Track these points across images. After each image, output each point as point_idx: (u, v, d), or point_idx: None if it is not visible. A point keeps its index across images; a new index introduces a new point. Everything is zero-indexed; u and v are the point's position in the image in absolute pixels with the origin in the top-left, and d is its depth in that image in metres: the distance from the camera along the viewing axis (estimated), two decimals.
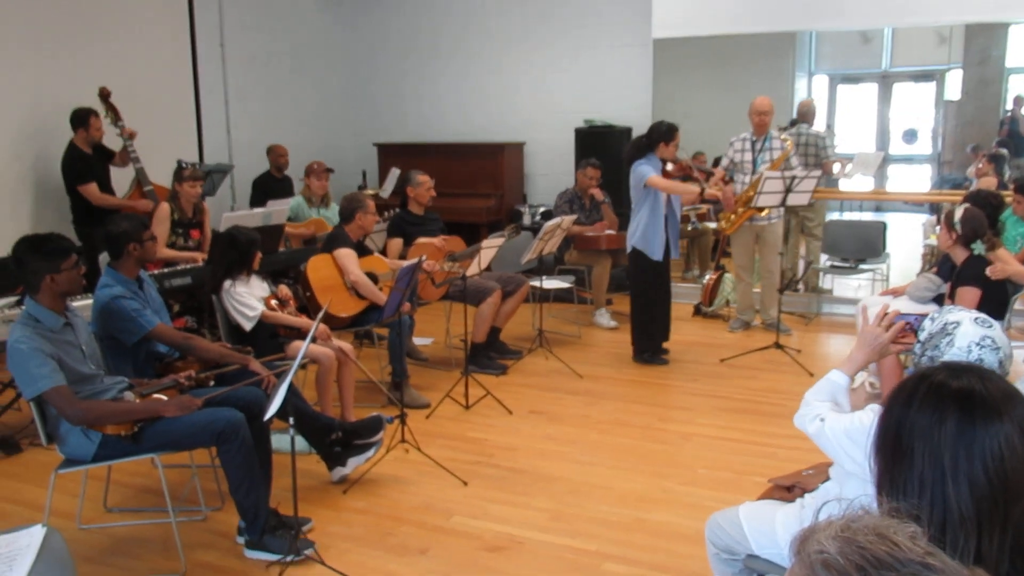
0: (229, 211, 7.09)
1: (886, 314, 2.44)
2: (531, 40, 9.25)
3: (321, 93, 9.71)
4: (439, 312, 6.82)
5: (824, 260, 7.81)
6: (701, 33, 7.98)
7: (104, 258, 4.31)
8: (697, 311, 7.63)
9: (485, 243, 5.52)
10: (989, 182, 6.92)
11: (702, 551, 2.78)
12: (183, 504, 4.02)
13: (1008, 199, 5.61)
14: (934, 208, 8.14)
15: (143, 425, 3.38)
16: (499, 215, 8.93)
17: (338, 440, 4.18)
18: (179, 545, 3.50)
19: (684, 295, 7.80)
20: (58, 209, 6.48)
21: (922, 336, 2.31)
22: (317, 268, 5.34)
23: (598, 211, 7.37)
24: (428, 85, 9.83)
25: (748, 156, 6.76)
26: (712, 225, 8.24)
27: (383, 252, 6.11)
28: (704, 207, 8.40)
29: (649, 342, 6.24)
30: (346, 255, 5.38)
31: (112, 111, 6.40)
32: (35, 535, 2.42)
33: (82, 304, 4.23)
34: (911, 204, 9.00)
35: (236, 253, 4.51)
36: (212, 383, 3.82)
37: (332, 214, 7.09)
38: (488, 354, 6.18)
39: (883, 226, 7.81)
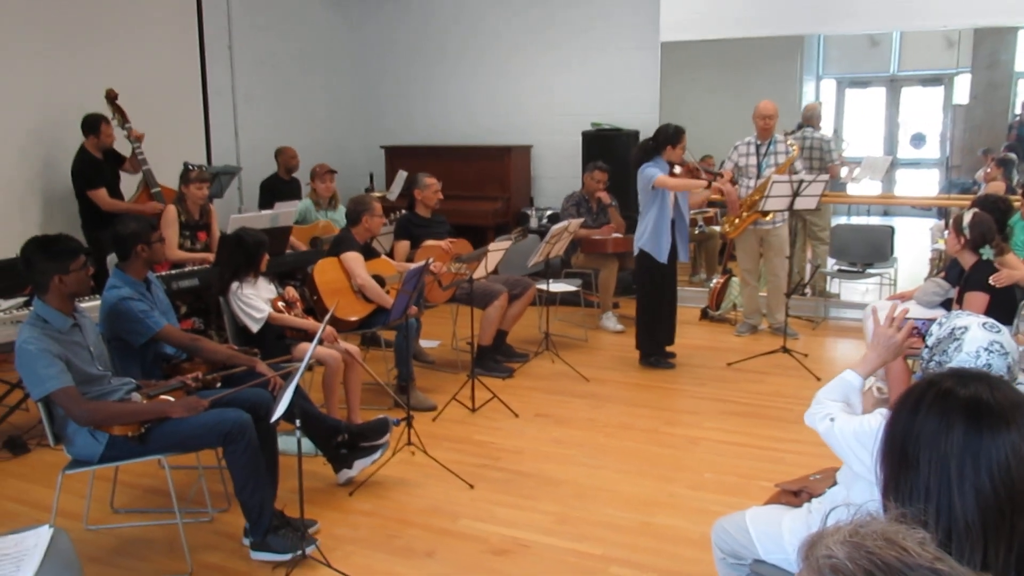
0: (237, 213, 7.10)
1: (896, 316, 2.43)
2: (539, 43, 9.25)
3: (329, 96, 9.73)
4: (445, 315, 6.83)
5: (832, 264, 7.80)
6: (709, 36, 7.98)
7: (112, 259, 4.33)
8: (704, 315, 7.61)
9: (492, 246, 5.52)
10: (997, 186, 6.89)
11: (708, 556, 2.77)
12: (189, 505, 4.02)
13: (1017, 203, 5.59)
14: (942, 212, 8.13)
15: (150, 426, 3.39)
16: (506, 218, 8.93)
17: (344, 442, 4.18)
18: (185, 546, 3.50)
19: (691, 299, 7.79)
20: (67, 211, 6.50)
21: (930, 341, 2.31)
22: (324, 271, 5.35)
23: (605, 214, 7.37)
24: (436, 88, 9.84)
25: (753, 160, 6.75)
26: (718, 228, 8.23)
27: (390, 254, 6.11)
28: (711, 211, 8.40)
29: (653, 345, 6.23)
30: (352, 258, 5.38)
31: (119, 113, 6.42)
32: (42, 535, 2.43)
33: (90, 305, 4.24)
34: (919, 208, 8.98)
35: (243, 255, 4.53)
36: (219, 384, 3.82)
37: (340, 216, 7.11)
38: (494, 357, 6.17)
39: (891, 230, 7.79)
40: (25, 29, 6.47)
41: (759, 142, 6.75)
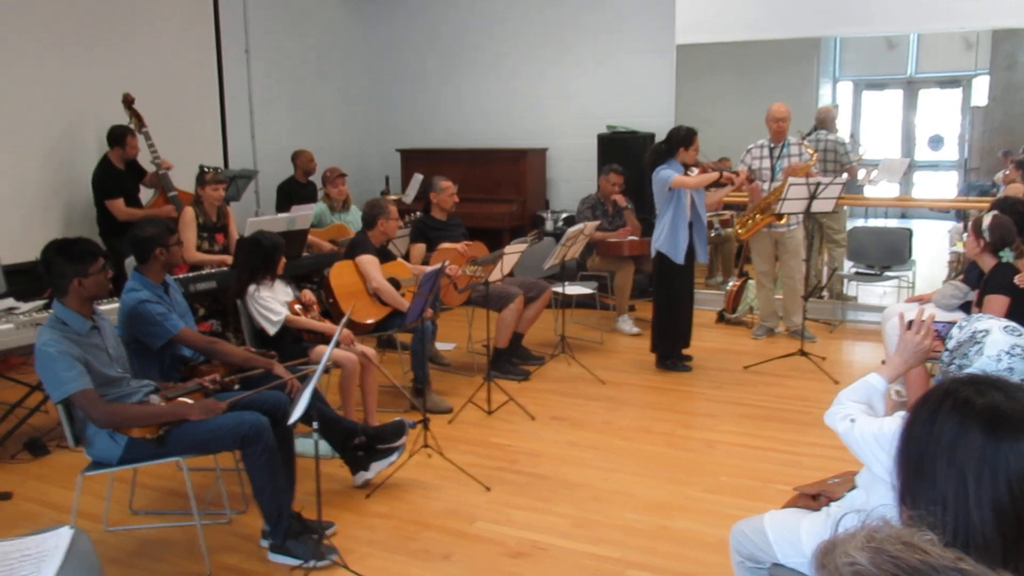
0: (253, 216, 7.14)
1: (923, 320, 2.42)
2: (554, 45, 9.26)
3: (345, 99, 9.77)
4: (461, 317, 6.83)
5: (849, 267, 7.76)
6: (725, 39, 7.96)
7: (130, 262, 4.36)
8: (720, 318, 7.59)
9: (508, 249, 5.52)
10: (1016, 189, 6.83)
11: (726, 559, 2.76)
12: (208, 507, 4.05)
13: None
14: (960, 215, 8.07)
15: (168, 428, 3.41)
16: (522, 221, 8.94)
17: (361, 445, 4.19)
18: (203, 548, 3.52)
19: (707, 302, 7.77)
20: (86, 216, 6.56)
21: (950, 344, 2.29)
22: (340, 275, 5.36)
23: (621, 217, 7.36)
24: (451, 91, 9.87)
25: (767, 163, 6.72)
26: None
27: (406, 257, 6.13)
28: (727, 213, 8.38)
29: (670, 348, 6.22)
30: (368, 262, 5.40)
31: (136, 117, 6.48)
32: (63, 536, 2.45)
33: (109, 308, 4.27)
34: (937, 211, 8.92)
35: (260, 258, 4.54)
36: (237, 387, 3.83)
37: (353, 218, 7.14)
38: (510, 360, 6.18)
39: (909, 233, 7.75)
40: (43, 35, 6.53)
41: (772, 144, 6.72)
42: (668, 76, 8.39)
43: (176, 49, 7.65)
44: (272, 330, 4.54)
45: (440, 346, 6.67)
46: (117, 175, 6.38)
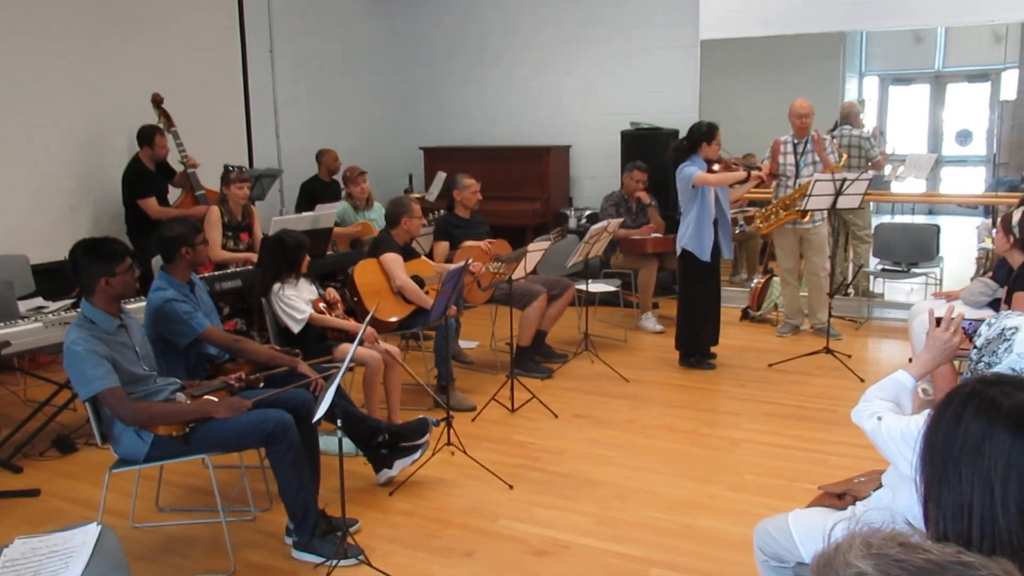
0: (278, 215, 7.18)
1: (952, 318, 2.39)
2: (577, 42, 9.23)
3: (368, 97, 9.80)
4: (485, 315, 6.84)
5: (875, 264, 7.69)
6: (749, 34, 7.92)
7: (157, 261, 4.40)
8: (745, 315, 7.55)
9: (531, 246, 5.52)
10: None
11: (750, 558, 2.74)
12: (233, 504, 4.07)
13: None
14: (988, 211, 7.97)
15: (194, 426, 3.44)
16: (545, 218, 8.92)
17: (385, 442, 4.20)
18: (228, 545, 3.54)
19: (732, 299, 7.72)
20: (114, 215, 6.62)
21: (979, 341, 2.27)
22: (364, 273, 5.38)
23: (644, 214, 7.34)
24: (474, 88, 9.87)
25: (791, 159, 6.68)
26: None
27: (429, 255, 6.14)
28: (751, 210, 8.32)
29: (694, 345, 6.18)
30: (392, 260, 5.41)
31: (165, 117, 6.54)
32: (90, 533, 2.48)
33: (136, 307, 4.31)
34: (965, 207, 8.82)
35: (285, 256, 4.57)
36: (262, 385, 3.86)
37: (376, 215, 7.16)
38: (533, 357, 6.17)
39: (936, 229, 7.66)
40: (72, 36, 6.60)
41: (796, 140, 6.68)
42: (692, 72, 8.35)
43: (201, 49, 7.71)
44: (296, 328, 4.57)
45: (463, 344, 6.68)
46: (148, 175, 6.44)
